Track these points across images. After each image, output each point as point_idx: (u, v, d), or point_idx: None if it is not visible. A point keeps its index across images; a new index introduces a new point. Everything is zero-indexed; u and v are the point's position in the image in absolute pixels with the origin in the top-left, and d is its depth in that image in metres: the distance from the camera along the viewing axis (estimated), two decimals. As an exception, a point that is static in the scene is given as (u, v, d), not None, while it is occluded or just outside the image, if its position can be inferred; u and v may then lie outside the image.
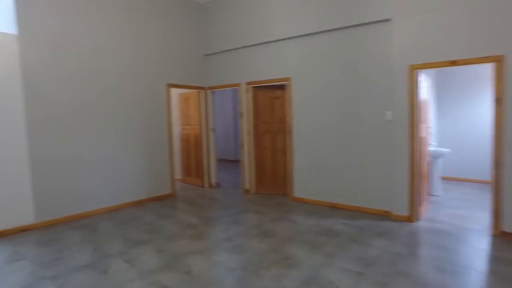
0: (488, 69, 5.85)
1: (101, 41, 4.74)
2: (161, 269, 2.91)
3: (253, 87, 5.71)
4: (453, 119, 6.40)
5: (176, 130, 6.97)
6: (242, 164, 5.97)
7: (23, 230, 4.00)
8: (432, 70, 6.30)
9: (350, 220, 4.21)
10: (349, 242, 3.46)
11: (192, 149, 6.64)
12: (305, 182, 5.14)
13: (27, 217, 4.05)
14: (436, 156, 5.30)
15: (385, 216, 4.31)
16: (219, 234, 3.81)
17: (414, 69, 3.94)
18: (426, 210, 4.43)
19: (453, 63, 3.66)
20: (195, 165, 6.61)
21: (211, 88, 6.32)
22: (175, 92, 6.92)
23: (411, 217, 4.05)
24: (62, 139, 4.36)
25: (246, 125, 5.82)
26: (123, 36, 4.99)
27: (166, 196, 5.65)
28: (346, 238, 3.58)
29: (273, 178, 5.74)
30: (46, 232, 3.94)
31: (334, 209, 4.73)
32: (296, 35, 4.97)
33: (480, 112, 6.09)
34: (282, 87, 5.48)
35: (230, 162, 9.93)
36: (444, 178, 6.44)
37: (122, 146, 5.01)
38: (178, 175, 7.04)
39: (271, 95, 5.66)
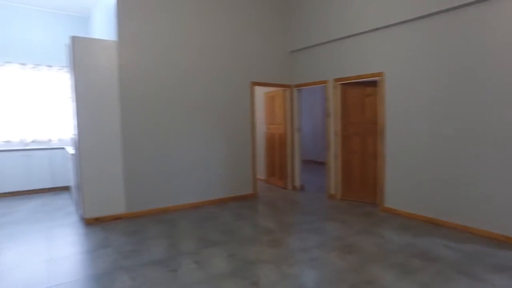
0: None
1: (190, 44, 4.90)
2: (229, 275, 2.77)
3: (341, 84, 5.23)
4: None
5: (261, 129, 6.90)
6: (328, 167, 5.54)
7: (116, 219, 4.38)
8: None
9: (455, 242, 3.45)
10: (452, 271, 2.79)
11: (277, 149, 6.47)
12: (399, 191, 4.46)
13: (120, 207, 4.41)
14: None
15: (506, 243, 3.41)
16: (296, 243, 3.52)
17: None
18: None
19: None
20: (279, 166, 6.42)
21: (297, 86, 6.04)
22: (260, 91, 6.85)
23: (546, 248, 3.11)
24: (151, 138, 4.63)
25: (333, 125, 5.38)
26: (209, 36, 5.08)
27: (247, 196, 5.59)
28: (449, 266, 2.91)
29: (361, 184, 5.17)
30: (132, 223, 4.23)
31: (434, 225, 3.98)
32: (394, 22, 4.33)
33: None
34: (374, 84, 4.88)
35: (318, 164, 9.49)
36: None
37: (206, 145, 5.12)
38: (261, 175, 6.97)
39: (361, 93, 5.10)
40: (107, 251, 3.33)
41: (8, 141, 6.16)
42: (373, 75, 4.69)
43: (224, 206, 5.08)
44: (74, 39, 4.06)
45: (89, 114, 4.17)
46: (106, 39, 4.42)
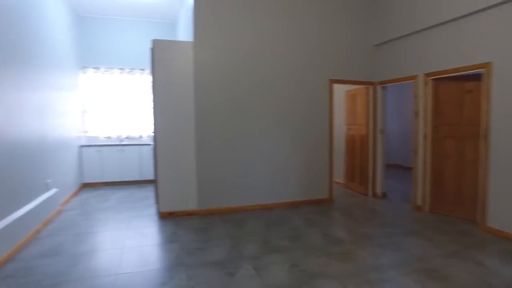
0: None
1: (265, 44, 4.79)
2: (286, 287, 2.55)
3: (433, 79, 4.53)
4: None
5: (340, 130, 6.45)
6: (415, 174, 4.87)
7: (188, 214, 4.52)
8: None
9: None
10: None
11: (357, 152, 5.96)
12: (507, 208, 3.63)
13: (192, 204, 4.54)
14: None
15: None
16: (368, 259, 3.11)
17: None
18: None
19: None
20: (359, 170, 5.91)
21: (381, 83, 5.46)
22: (341, 89, 6.40)
23: None
24: (224, 139, 4.66)
25: (422, 126, 4.70)
26: (285, 33, 4.90)
27: (322, 200, 5.25)
28: None
29: (456, 196, 4.40)
30: (202, 220, 4.30)
31: (558, 257, 3.12)
32: (503, 0, 3.54)
33: None
34: (475, 78, 4.08)
35: (404, 169, 8.53)
36: None
37: (280, 145, 4.96)
38: (340, 178, 6.52)
39: (459, 89, 4.33)
40: (173, 246, 3.41)
41: (108, 137, 6.95)
42: (475, 67, 3.92)
43: (296, 209, 4.85)
44: (155, 42, 4.30)
45: (165, 113, 4.38)
46: (184, 40, 4.59)
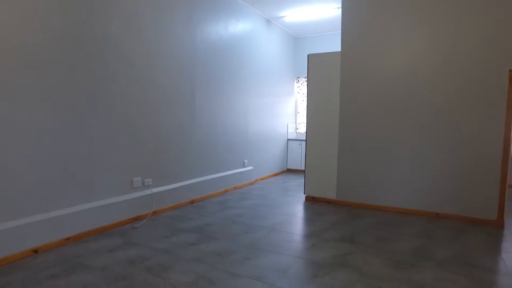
0: None
1: (418, 44, 4.55)
2: None
3: None
4: None
5: None
6: None
7: (327, 202, 5.20)
8: None
9: None
10: None
11: None
12: None
13: (331, 193, 5.16)
14: None
15: None
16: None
17: None
18: None
19: None
20: None
21: None
22: None
23: None
24: (367, 138, 4.89)
25: None
26: (451, 30, 4.39)
27: (484, 221, 4.25)
28: None
29: None
30: (339, 210, 4.83)
31: None
32: None
33: None
34: None
35: None
36: None
37: (431, 147, 4.50)
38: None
39: None
40: (316, 221, 4.37)
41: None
42: None
43: (440, 223, 4.31)
44: (309, 56, 5.26)
45: (315, 115, 5.25)
46: (332, 51, 5.22)
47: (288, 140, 8.29)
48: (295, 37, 8.52)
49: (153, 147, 4.39)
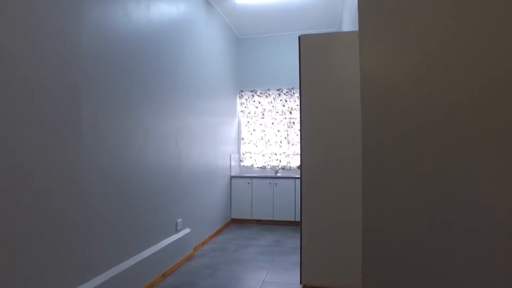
0: None
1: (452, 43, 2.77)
2: None
3: None
4: None
5: None
6: None
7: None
8: None
9: None
10: None
11: None
12: None
13: (353, 278, 2.85)
14: None
15: None
16: None
17: None
18: None
19: None
20: None
21: None
22: None
23: None
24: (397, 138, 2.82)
25: None
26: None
27: None
28: None
29: None
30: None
31: None
32: None
33: None
34: None
35: None
36: None
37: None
38: None
39: None
40: None
41: (263, 167, 6.16)
42: None
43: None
44: (300, 38, 3.05)
45: (316, 136, 2.99)
46: (344, 31, 3.16)
47: (231, 177, 5.81)
48: (239, 37, 6.31)
49: None
